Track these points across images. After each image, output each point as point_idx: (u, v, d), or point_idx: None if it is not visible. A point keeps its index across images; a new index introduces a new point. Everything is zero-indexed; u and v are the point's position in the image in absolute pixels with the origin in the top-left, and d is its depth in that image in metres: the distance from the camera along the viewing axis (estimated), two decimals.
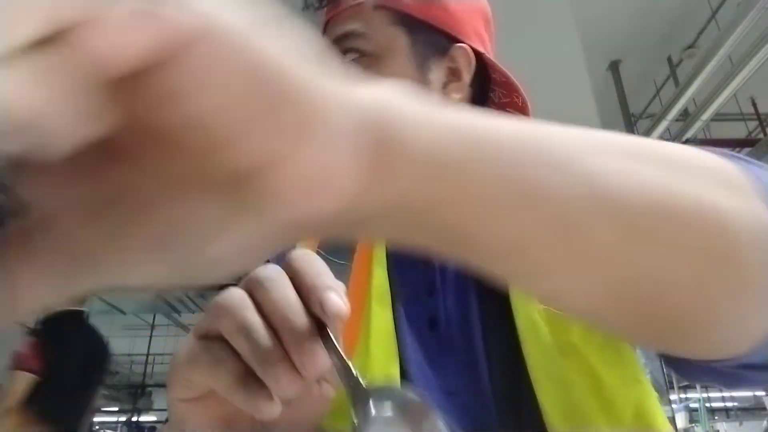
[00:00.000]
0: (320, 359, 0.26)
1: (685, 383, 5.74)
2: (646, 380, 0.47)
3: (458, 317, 0.52)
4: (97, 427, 9.66)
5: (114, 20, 0.12)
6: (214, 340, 0.27)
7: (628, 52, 3.78)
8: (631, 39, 3.66)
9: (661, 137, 3.71)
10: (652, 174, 0.23)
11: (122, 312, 6.95)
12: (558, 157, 0.21)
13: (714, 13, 3.34)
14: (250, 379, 0.26)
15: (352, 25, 0.55)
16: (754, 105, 4.21)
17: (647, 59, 3.87)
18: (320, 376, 0.27)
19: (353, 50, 0.54)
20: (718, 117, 3.49)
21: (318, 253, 0.60)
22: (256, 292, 0.27)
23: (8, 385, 1.71)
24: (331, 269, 0.62)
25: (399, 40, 0.55)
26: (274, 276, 0.28)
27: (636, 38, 3.66)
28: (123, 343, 9.05)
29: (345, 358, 0.28)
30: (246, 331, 0.26)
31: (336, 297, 0.27)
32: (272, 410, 0.27)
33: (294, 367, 0.26)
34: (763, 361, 0.28)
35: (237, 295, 0.27)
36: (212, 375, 0.27)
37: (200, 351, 0.27)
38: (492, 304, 0.52)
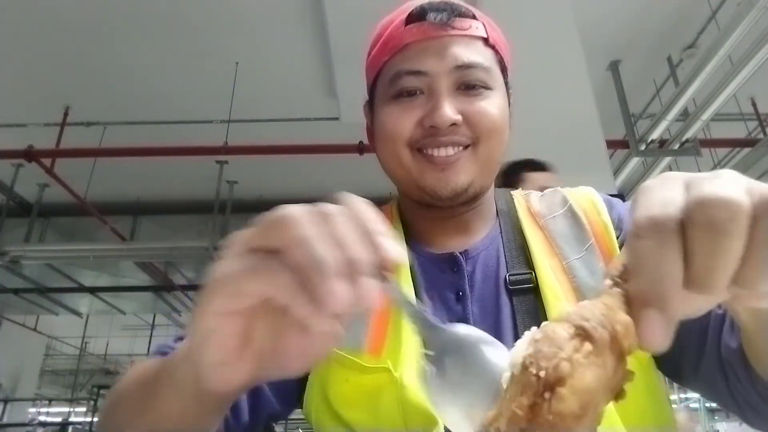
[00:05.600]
0: (376, 291, 0.27)
1: None
2: (668, 403, 0.53)
3: (490, 322, 0.54)
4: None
5: None
6: (267, 255, 0.27)
7: (628, 52, 3.78)
8: (631, 39, 3.65)
9: (661, 137, 3.71)
10: None
11: (122, 312, 6.94)
12: None
13: (714, 13, 3.34)
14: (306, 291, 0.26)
15: (477, 57, 0.58)
16: (754, 105, 4.21)
17: (647, 59, 3.87)
18: (366, 306, 0.27)
19: (481, 86, 0.58)
20: (718, 117, 3.48)
21: None
22: (324, 219, 0.28)
23: None
24: None
25: (501, 79, 0.61)
26: (341, 212, 0.29)
27: (636, 38, 3.65)
28: (123, 343, 9.04)
29: (408, 298, 0.30)
30: (309, 241, 0.26)
31: (395, 244, 0.28)
32: (325, 322, 0.27)
33: (348, 286, 0.26)
34: None
35: (303, 212, 0.28)
36: (272, 282, 0.27)
37: (256, 262, 0.27)
38: (526, 311, 0.54)
